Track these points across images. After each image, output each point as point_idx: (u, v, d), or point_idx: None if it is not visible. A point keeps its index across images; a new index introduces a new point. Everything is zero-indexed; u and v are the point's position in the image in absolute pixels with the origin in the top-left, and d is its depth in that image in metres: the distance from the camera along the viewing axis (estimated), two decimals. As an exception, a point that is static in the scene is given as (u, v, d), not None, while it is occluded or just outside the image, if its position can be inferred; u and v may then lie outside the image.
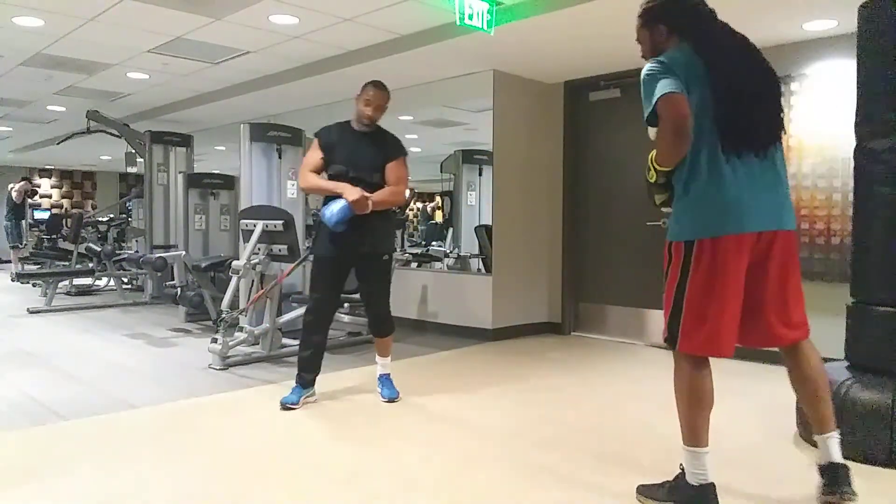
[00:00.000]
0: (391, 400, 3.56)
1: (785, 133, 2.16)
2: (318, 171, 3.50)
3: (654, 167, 2.14)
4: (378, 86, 3.50)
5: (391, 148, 3.54)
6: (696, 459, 2.10)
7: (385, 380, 3.67)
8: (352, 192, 3.30)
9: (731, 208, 2.02)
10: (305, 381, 3.54)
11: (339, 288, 3.59)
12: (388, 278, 3.64)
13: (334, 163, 3.47)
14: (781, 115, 2.16)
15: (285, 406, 3.41)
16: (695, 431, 2.10)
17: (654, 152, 2.13)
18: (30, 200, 12.17)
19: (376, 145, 3.50)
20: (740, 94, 2.03)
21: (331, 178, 3.47)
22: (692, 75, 2.02)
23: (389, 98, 3.53)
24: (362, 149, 3.47)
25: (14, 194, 11.46)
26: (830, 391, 2.23)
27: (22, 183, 11.60)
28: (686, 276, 2.07)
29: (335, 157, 3.47)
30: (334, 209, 3.31)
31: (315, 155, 3.52)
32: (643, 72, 2.07)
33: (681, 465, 2.18)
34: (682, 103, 1.97)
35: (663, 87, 1.98)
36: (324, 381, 3.70)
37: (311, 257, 3.85)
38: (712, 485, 2.09)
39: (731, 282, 2.03)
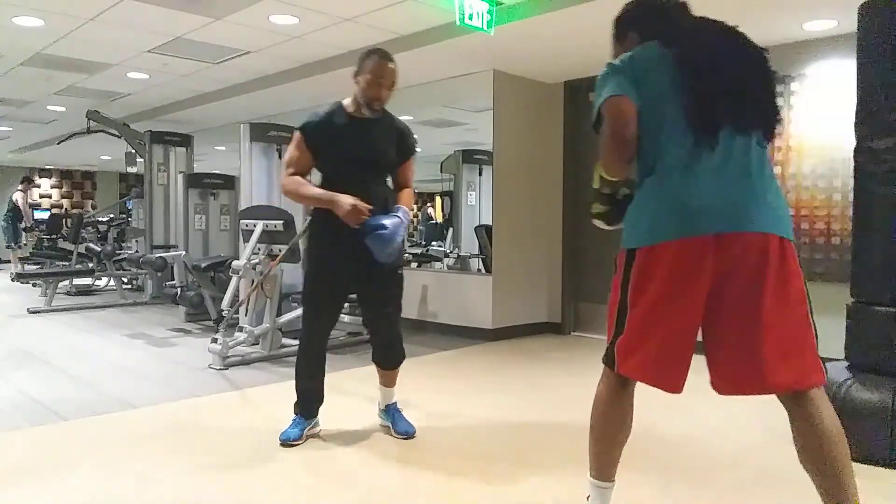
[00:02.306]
0: (409, 436, 2.95)
1: (775, 125, 1.78)
2: (304, 174, 2.79)
3: (599, 173, 1.89)
4: (388, 57, 2.73)
5: (407, 143, 2.86)
6: (602, 495, 1.91)
7: (395, 411, 3.06)
8: (343, 204, 2.58)
9: (672, 209, 1.69)
10: (311, 411, 2.97)
11: (340, 310, 2.95)
12: (402, 296, 2.95)
13: (332, 160, 2.75)
14: (768, 104, 1.80)
15: (285, 443, 2.84)
16: (604, 461, 1.89)
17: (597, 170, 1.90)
18: (29, 201, 12.18)
19: (388, 136, 2.79)
20: (708, 77, 1.72)
21: (326, 179, 2.79)
22: (650, 67, 1.76)
23: (397, 70, 2.80)
24: (370, 142, 2.75)
25: (16, 196, 11.49)
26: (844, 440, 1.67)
27: (22, 187, 11.63)
28: (626, 292, 1.76)
29: (334, 154, 2.74)
30: (388, 235, 2.59)
31: (300, 156, 2.76)
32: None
33: (587, 497, 1.97)
34: (621, 105, 1.74)
35: (607, 90, 1.77)
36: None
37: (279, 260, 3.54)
38: None
39: (673, 299, 1.68)
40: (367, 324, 3.02)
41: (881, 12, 2.86)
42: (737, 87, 1.73)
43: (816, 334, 1.69)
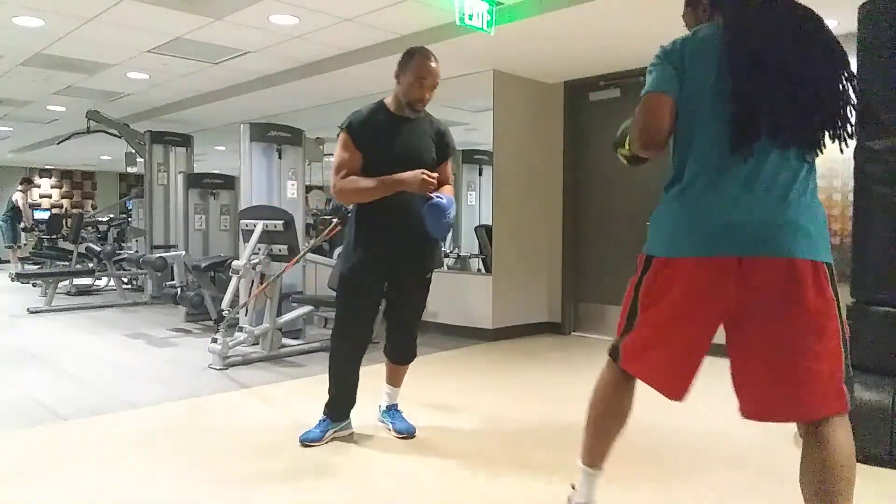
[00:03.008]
0: (409, 435, 2.97)
1: (844, 136, 1.66)
2: (356, 175, 2.69)
3: (627, 144, 1.85)
4: (431, 57, 2.69)
5: (446, 143, 2.83)
6: (589, 481, 1.91)
7: (395, 412, 3.07)
8: (412, 178, 2.60)
9: (692, 223, 1.61)
10: (337, 413, 2.94)
11: (377, 310, 2.94)
12: (426, 298, 2.97)
13: (374, 159, 2.67)
14: (838, 107, 1.63)
15: (304, 443, 2.85)
16: (596, 449, 1.89)
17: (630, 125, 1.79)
18: (29, 201, 12.19)
19: (429, 136, 2.76)
20: (755, 74, 1.55)
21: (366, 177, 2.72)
22: (698, 57, 1.63)
23: (440, 69, 2.76)
24: (415, 140, 2.72)
25: (16, 196, 11.50)
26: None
27: (22, 188, 11.63)
28: (637, 296, 1.72)
29: (378, 154, 2.68)
30: (446, 205, 2.61)
31: (350, 156, 2.68)
32: None
33: (572, 484, 1.98)
34: (658, 104, 1.65)
35: (649, 82, 1.68)
36: (324, 382, 3.69)
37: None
38: None
39: (684, 317, 1.63)
40: (387, 316, 2.97)
41: (881, 12, 2.87)
42: (789, 90, 1.57)
43: (848, 363, 1.58)
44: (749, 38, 1.60)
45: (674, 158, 1.71)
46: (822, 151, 1.67)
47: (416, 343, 3.00)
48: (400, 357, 3.00)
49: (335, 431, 2.94)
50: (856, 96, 1.64)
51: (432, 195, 2.62)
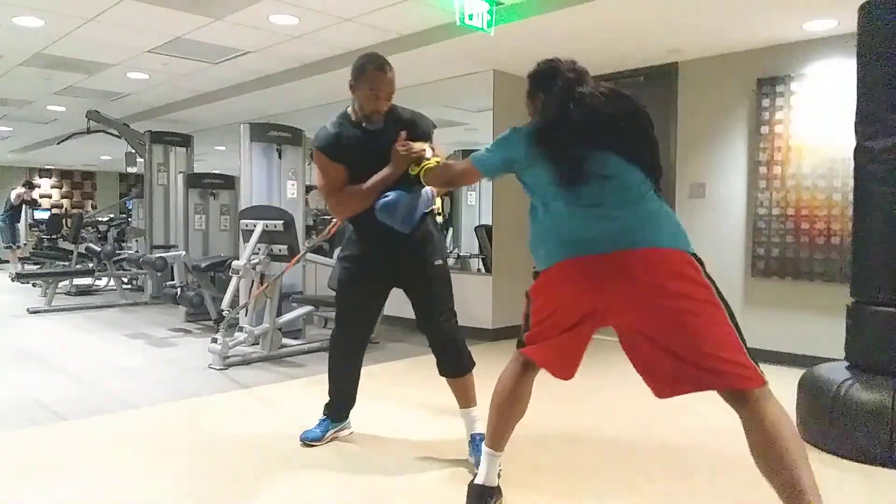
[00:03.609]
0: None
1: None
2: (344, 187, 2.61)
3: (424, 177, 2.44)
4: (382, 66, 2.55)
5: (420, 131, 2.66)
6: (493, 462, 2.21)
7: (480, 444, 2.41)
8: (393, 160, 2.53)
9: (556, 242, 2.00)
10: (337, 414, 2.94)
11: (377, 311, 2.87)
12: (451, 288, 2.73)
13: (355, 177, 2.60)
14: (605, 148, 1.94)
15: (305, 442, 2.85)
16: (499, 434, 2.19)
17: (431, 167, 2.42)
18: (31, 197, 12.21)
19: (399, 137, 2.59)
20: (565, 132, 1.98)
21: None
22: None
23: (395, 77, 2.59)
24: (386, 150, 2.56)
25: (13, 196, 11.50)
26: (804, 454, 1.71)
27: (24, 190, 11.64)
28: (529, 301, 2.11)
29: (354, 171, 2.60)
30: (391, 201, 2.52)
31: (333, 173, 2.60)
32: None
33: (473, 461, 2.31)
34: (467, 175, 2.29)
35: (482, 156, 2.16)
36: (324, 382, 3.69)
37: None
38: (497, 488, 2.23)
39: (554, 310, 2.01)
40: (424, 323, 2.71)
41: (881, 12, 2.87)
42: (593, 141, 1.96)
43: (741, 336, 1.78)
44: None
45: (531, 194, 2.09)
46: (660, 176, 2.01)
47: (464, 346, 2.68)
48: (456, 365, 2.67)
49: (335, 431, 2.94)
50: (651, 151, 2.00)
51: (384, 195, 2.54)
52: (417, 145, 2.52)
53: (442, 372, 2.70)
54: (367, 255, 2.72)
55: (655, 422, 3.20)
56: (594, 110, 1.96)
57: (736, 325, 1.79)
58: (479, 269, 6.22)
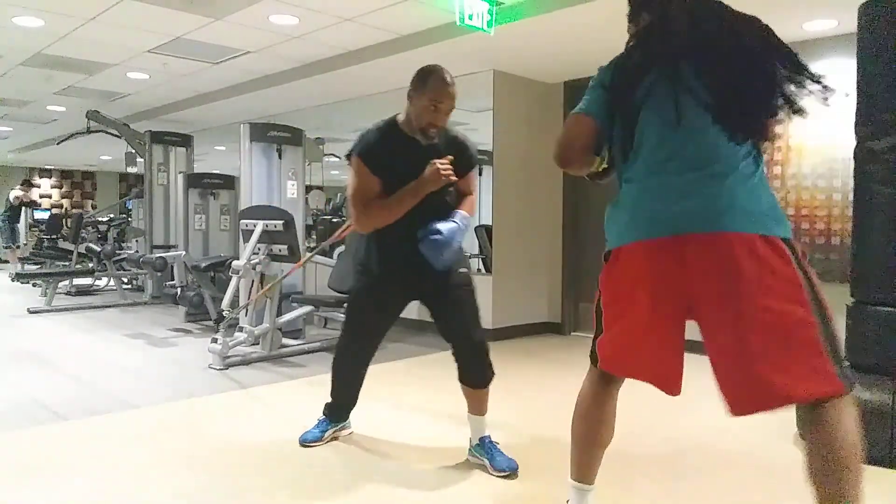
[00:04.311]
0: (512, 473, 2.53)
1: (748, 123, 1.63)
2: (374, 198, 2.51)
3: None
4: (447, 81, 2.46)
5: (467, 157, 2.58)
6: (581, 497, 1.87)
7: (491, 445, 2.63)
8: (426, 178, 2.42)
9: (637, 212, 1.68)
10: (337, 415, 2.93)
11: (391, 324, 2.76)
12: (476, 297, 2.65)
13: (389, 184, 2.47)
14: (752, 97, 1.63)
15: (303, 444, 2.84)
16: (584, 463, 1.85)
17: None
18: (30, 199, 12.21)
19: (447, 156, 2.46)
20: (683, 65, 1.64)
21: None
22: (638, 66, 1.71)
23: (456, 92, 2.51)
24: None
25: (12, 197, 11.51)
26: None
27: (22, 193, 11.64)
28: (600, 293, 1.76)
29: (390, 178, 2.47)
30: (444, 240, 2.41)
31: (366, 182, 2.48)
32: None
33: (567, 501, 1.93)
34: (576, 126, 1.81)
35: (579, 104, 1.84)
36: (324, 382, 3.68)
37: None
38: None
39: (640, 301, 1.63)
40: (445, 338, 2.64)
41: (881, 12, 2.87)
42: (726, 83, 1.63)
43: (830, 336, 1.50)
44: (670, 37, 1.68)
45: (616, 163, 1.80)
46: (765, 139, 1.68)
47: (488, 356, 2.60)
48: (479, 376, 2.60)
49: (334, 431, 2.94)
50: (785, 83, 1.65)
51: (435, 227, 2.42)
52: (448, 169, 2.41)
53: (464, 381, 2.64)
54: (389, 272, 2.61)
55: (655, 422, 3.20)
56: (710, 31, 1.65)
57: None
58: (479, 269, 6.22)
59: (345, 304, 5.00)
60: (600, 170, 1.91)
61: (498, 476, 2.53)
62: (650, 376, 1.66)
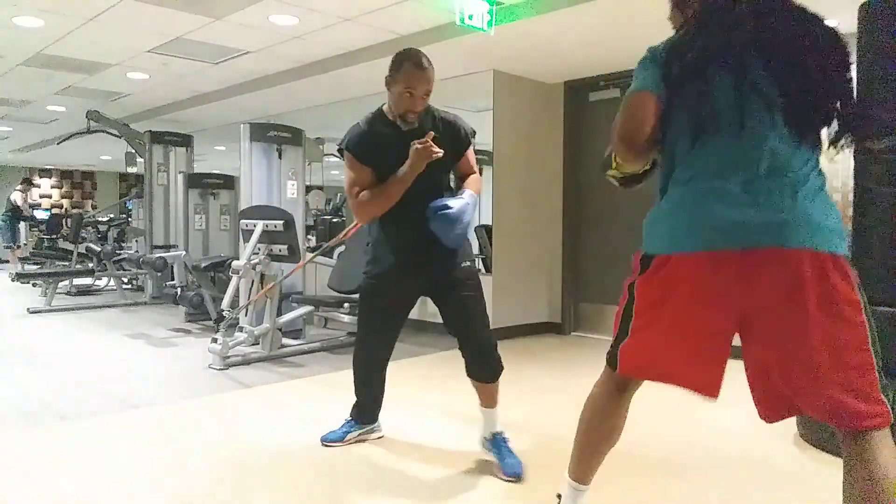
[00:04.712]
0: (517, 477, 2.49)
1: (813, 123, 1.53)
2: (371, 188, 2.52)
3: (615, 165, 1.83)
4: (418, 63, 2.42)
5: (460, 137, 2.58)
6: (575, 497, 1.84)
7: (503, 443, 2.61)
8: (413, 158, 2.39)
9: (692, 219, 1.55)
10: (362, 416, 2.89)
11: (403, 323, 2.75)
12: (482, 291, 2.67)
13: (382, 175, 2.49)
14: (820, 95, 1.54)
15: (324, 443, 2.84)
16: (585, 464, 1.81)
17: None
18: (29, 200, 12.21)
19: (437, 140, 2.43)
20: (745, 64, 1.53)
21: None
22: (692, 54, 1.57)
23: (434, 73, 2.46)
24: None
25: (12, 198, 11.51)
26: None
27: (22, 195, 11.64)
28: (633, 298, 1.65)
29: (381, 168, 2.49)
30: (454, 213, 2.40)
31: (360, 173, 2.50)
32: None
33: (558, 494, 1.90)
34: (640, 104, 1.59)
35: (634, 84, 1.63)
36: (324, 382, 3.70)
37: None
38: None
39: (692, 311, 1.54)
40: (454, 328, 2.64)
41: (881, 12, 2.87)
42: (793, 80, 1.53)
43: (879, 363, 1.51)
44: (726, 30, 1.55)
45: (666, 162, 1.66)
46: (832, 146, 1.60)
47: (496, 351, 2.62)
48: (487, 370, 2.60)
49: (361, 434, 2.90)
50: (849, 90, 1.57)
51: (444, 202, 2.41)
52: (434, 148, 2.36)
53: (472, 375, 2.63)
54: (397, 265, 2.59)
55: (655, 422, 3.20)
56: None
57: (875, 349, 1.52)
58: (479, 269, 6.22)
59: (345, 304, 5.06)
60: (641, 171, 1.82)
61: (503, 479, 2.50)
62: (692, 383, 1.59)
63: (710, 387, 1.57)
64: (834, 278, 1.47)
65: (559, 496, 1.89)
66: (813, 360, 1.45)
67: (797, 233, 1.46)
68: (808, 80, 1.53)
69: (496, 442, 2.62)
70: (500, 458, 2.57)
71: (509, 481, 2.48)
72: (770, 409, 1.59)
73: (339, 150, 2.59)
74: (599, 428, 1.77)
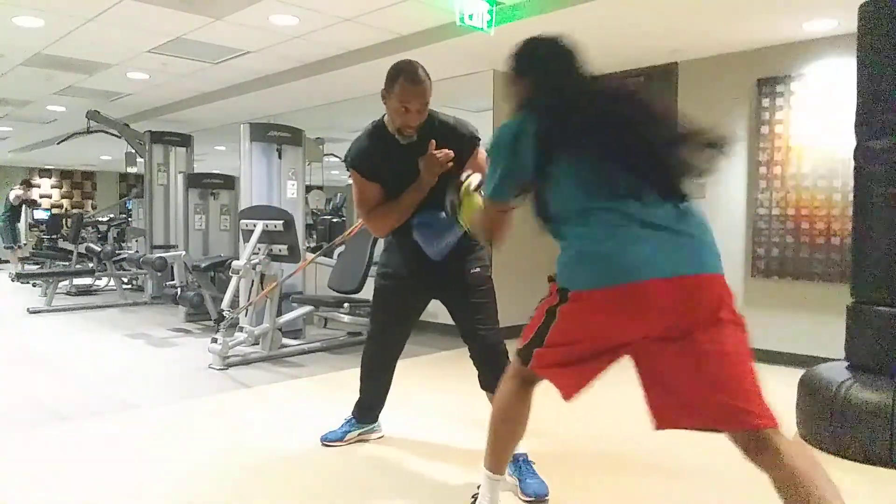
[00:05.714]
0: (539, 500, 2.33)
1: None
2: (381, 202, 2.52)
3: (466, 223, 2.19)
4: (414, 78, 2.35)
5: (465, 140, 2.49)
6: (494, 487, 1.98)
7: (525, 463, 2.43)
8: (424, 170, 2.40)
9: (608, 258, 1.71)
10: (363, 416, 2.90)
11: (414, 324, 2.77)
12: (493, 297, 2.59)
13: (387, 188, 2.49)
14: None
15: (324, 442, 2.84)
16: (499, 454, 1.98)
17: (473, 208, 2.15)
18: (30, 197, 12.21)
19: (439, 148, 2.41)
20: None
21: None
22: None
23: (432, 86, 2.40)
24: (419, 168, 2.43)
25: (12, 197, 11.51)
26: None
27: (22, 192, 11.63)
28: (552, 319, 1.80)
29: (386, 182, 2.48)
30: (423, 221, 2.45)
31: (368, 189, 2.50)
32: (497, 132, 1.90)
33: (473, 496, 2.03)
34: (499, 218, 2.14)
35: (494, 187, 2.03)
36: (324, 382, 3.70)
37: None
38: None
39: (597, 337, 1.74)
40: (466, 333, 2.58)
41: (881, 12, 2.87)
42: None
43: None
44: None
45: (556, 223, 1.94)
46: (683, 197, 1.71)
47: (505, 359, 2.41)
48: (486, 381, 2.49)
49: (361, 433, 2.90)
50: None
51: (433, 216, 2.42)
52: (444, 152, 2.38)
53: (484, 386, 2.53)
54: (408, 268, 2.59)
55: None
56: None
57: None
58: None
59: (345, 304, 5.06)
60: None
61: (524, 501, 2.34)
62: (570, 389, 1.84)
63: (571, 398, 1.83)
64: (725, 297, 1.63)
65: (474, 497, 2.06)
66: (713, 373, 1.60)
67: (702, 257, 1.62)
68: (648, 152, 1.72)
69: (517, 463, 2.42)
70: (520, 478, 2.40)
71: (528, 501, 2.32)
72: (664, 416, 1.78)
73: (346, 165, 2.58)
74: (515, 425, 1.98)
